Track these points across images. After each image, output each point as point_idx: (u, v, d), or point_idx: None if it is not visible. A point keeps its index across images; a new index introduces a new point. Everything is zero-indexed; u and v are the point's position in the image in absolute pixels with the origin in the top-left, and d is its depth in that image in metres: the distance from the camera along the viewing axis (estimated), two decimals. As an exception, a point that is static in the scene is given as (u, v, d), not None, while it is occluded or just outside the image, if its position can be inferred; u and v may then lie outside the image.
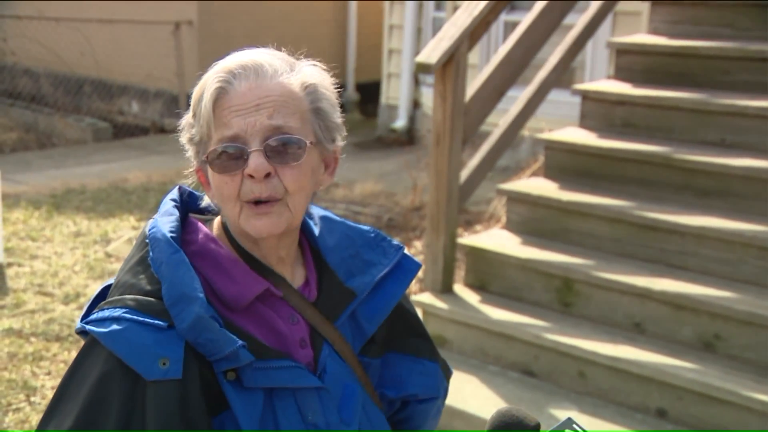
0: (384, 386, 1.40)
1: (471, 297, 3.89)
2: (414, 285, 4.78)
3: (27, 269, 5.09)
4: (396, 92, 8.91)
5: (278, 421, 1.22)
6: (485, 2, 3.77)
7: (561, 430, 1.09)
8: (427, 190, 4.12)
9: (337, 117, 1.29)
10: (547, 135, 4.39)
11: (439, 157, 3.82)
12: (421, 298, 3.90)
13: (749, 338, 3.26)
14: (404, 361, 1.42)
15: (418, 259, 5.01)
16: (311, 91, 1.25)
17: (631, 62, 4.48)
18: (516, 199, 4.10)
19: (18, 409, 3.59)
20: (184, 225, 1.30)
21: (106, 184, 7.15)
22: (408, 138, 8.76)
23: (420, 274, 4.80)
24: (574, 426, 1.09)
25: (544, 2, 4.16)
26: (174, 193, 1.33)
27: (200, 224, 1.31)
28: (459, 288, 3.98)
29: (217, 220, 1.32)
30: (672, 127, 4.09)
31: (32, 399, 3.67)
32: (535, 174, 5.20)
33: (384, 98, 9.20)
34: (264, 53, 1.25)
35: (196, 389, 1.15)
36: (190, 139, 1.25)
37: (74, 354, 1.28)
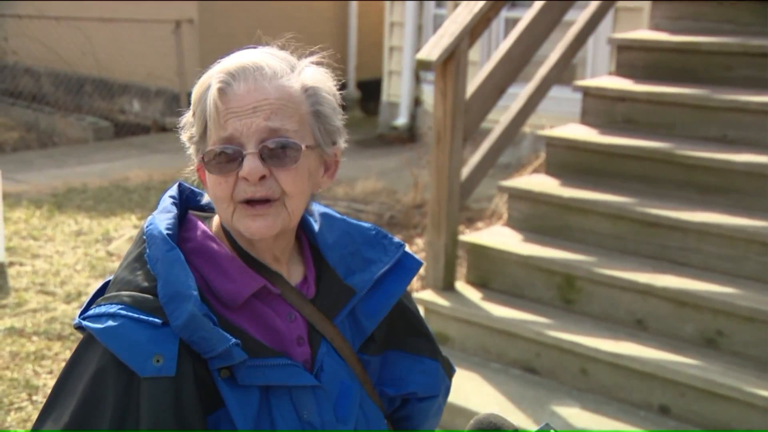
0: (384, 384, 1.39)
1: (473, 294, 3.89)
2: (415, 282, 4.77)
3: (29, 268, 5.09)
4: (397, 90, 8.90)
5: (273, 419, 1.22)
6: (486, -1, 3.76)
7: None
8: (428, 187, 4.11)
9: (338, 120, 1.28)
10: (548, 132, 4.38)
11: (440, 155, 3.82)
12: (423, 295, 3.90)
13: (752, 334, 3.25)
14: (404, 359, 1.42)
15: (420, 256, 5.02)
16: (311, 94, 1.24)
17: (633, 58, 4.47)
18: (517, 196, 4.09)
19: (20, 408, 3.59)
20: (183, 222, 1.30)
21: (108, 182, 7.15)
22: (409, 135, 8.76)
23: (422, 271, 4.79)
24: (552, 430, 1.09)
25: (545, -1, 4.15)
26: (173, 190, 1.34)
27: (199, 222, 1.31)
28: (461, 285, 3.98)
29: (217, 217, 1.32)
30: (673, 123, 4.08)
31: (34, 398, 3.67)
32: (536, 171, 5.20)
33: (385, 96, 9.19)
34: (265, 54, 1.24)
35: (190, 387, 1.15)
36: (190, 138, 1.26)
37: (75, 353, 1.30)
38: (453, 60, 3.68)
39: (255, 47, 1.27)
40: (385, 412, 1.39)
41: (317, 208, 1.41)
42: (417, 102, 8.75)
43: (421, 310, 3.90)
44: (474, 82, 3.97)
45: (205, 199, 1.33)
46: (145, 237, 1.24)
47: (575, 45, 4.49)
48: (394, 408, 1.44)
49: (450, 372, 1.51)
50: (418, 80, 8.62)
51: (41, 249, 5.43)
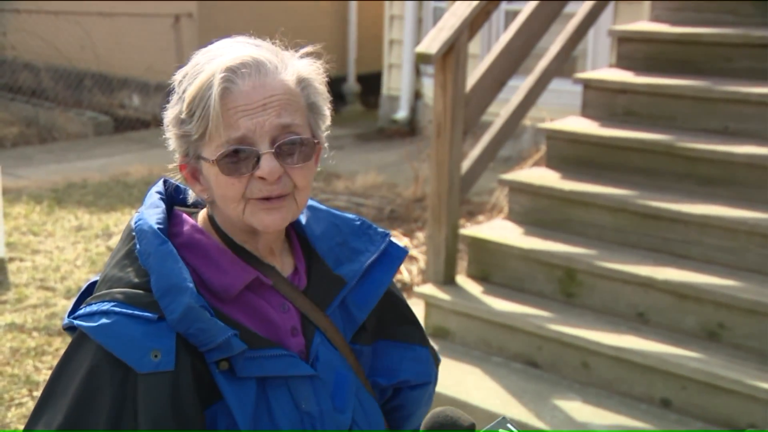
0: (376, 374, 1.39)
1: (473, 288, 3.88)
2: (416, 276, 4.77)
3: (29, 264, 5.08)
4: (397, 83, 8.88)
5: (272, 411, 1.21)
6: (485, -9, 3.75)
7: (495, 430, 1.09)
8: (428, 181, 4.10)
9: (327, 109, 1.29)
10: (548, 124, 4.37)
11: (440, 148, 3.81)
12: (424, 289, 3.89)
13: (753, 327, 3.24)
14: (395, 348, 1.42)
15: (420, 250, 5.02)
16: (305, 86, 1.25)
17: (633, 50, 4.45)
18: (518, 189, 4.08)
19: (21, 404, 3.59)
20: (170, 217, 1.29)
21: (108, 178, 7.14)
22: (409, 129, 8.74)
23: (422, 265, 4.79)
24: (509, 425, 1.10)
25: (545, -9, 4.13)
26: (159, 186, 1.33)
27: (186, 216, 1.31)
28: (461, 279, 3.97)
29: (203, 212, 1.32)
30: (674, 115, 4.06)
31: (35, 394, 3.66)
32: (537, 164, 5.18)
33: (385, 89, 9.17)
34: (254, 46, 1.23)
35: (189, 380, 1.15)
36: (183, 136, 1.23)
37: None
38: (453, 53, 3.67)
39: (231, 37, 1.26)
40: (378, 403, 1.39)
41: None
42: (417, 95, 8.73)
43: (422, 305, 3.89)
44: (474, 75, 3.96)
45: (191, 197, 1.32)
46: (134, 233, 1.23)
47: (575, 37, 4.47)
48: (387, 398, 1.44)
49: (437, 360, 1.51)
50: (418, 73, 8.60)
51: (41, 244, 5.42)
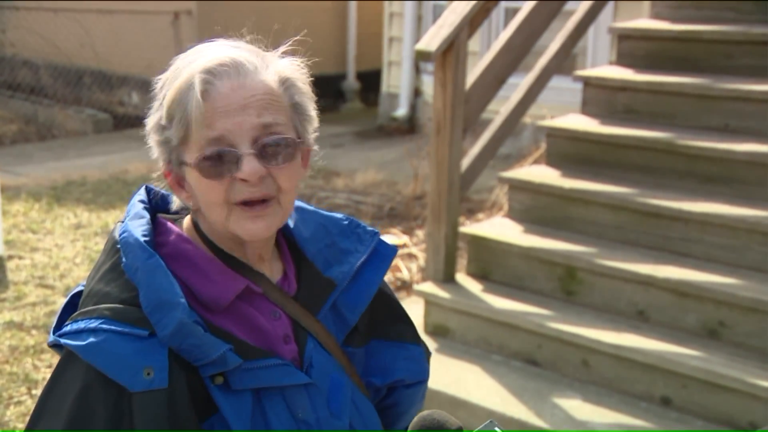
0: (370, 374, 1.37)
1: (473, 286, 3.87)
2: (416, 274, 4.76)
3: (28, 262, 5.08)
4: (397, 80, 8.87)
5: (268, 421, 1.19)
6: (485, -12, 3.73)
7: (484, 431, 1.08)
8: (428, 178, 4.09)
9: (312, 110, 1.26)
10: (548, 122, 4.36)
11: (440, 146, 3.80)
12: (423, 287, 3.88)
13: (754, 325, 3.24)
14: (388, 347, 1.40)
15: (420, 248, 5.01)
16: (288, 86, 1.22)
17: (633, 48, 4.44)
18: (518, 187, 4.07)
19: (19, 402, 3.58)
20: (154, 226, 1.25)
21: (107, 175, 7.13)
22: (409, 126, 8.73)
23: (422, 263, 4.78)
24: (496, 429, 1.09)
25: (545, -12, 4.12)
26: (142, 194, 1.30)
27: (170, 224, 1.27)
28: (461, 277, 3.96)
29: (187, 219, 1.29)
30: (675, 112, 4.05)
31: (33, 392, 3.66)
32: (537, 161, 5.18)
33: (385, 87, 9.16)
34: (234, 48, 1.21)
35: (184, 397, 1.12)
36: (165, 142, 1.20)
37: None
38: (452, 50, 3.66)
39: (212, 41, 1.23)
40: (372, 403, 1.37)
41: None
42: (417, 93, 8.72)
43: (422, 303, 3.88)
44: (474, 72, 3.95)
45: (175, 204, 1.29)
46: (119, 246, 1.19)
47: (575, 34, 4.46)
48: (381, 397, 1.42)
49: (428, 356, 1.49)
50: (417, 71, 8.59)
51: (40, 242, 5.42)
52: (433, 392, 3.27)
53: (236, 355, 1.15)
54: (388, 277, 3.95)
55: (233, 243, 1.24)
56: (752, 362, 3.16)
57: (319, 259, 1.32)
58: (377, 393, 1.40)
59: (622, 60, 4.47)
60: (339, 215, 1.39)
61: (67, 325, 1.16)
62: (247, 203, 1.18)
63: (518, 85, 4.41)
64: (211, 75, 1.15)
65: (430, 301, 3.85)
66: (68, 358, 1.15)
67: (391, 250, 1.37)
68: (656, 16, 4.63)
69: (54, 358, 3.94)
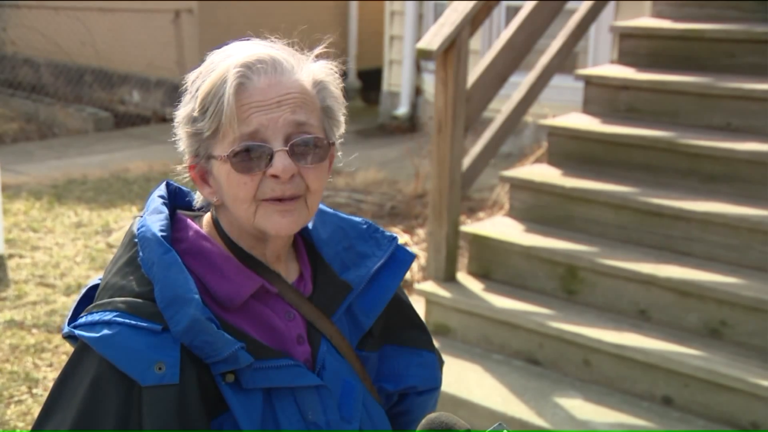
0: (382, 380, 1.37)
1: (474, 285, 3.87)
2: (417, 273, 4.75)
3: (28, 260, 5.07)
4: (398, 79, 8.86)
5: (278, 422, 1.19)
6: (487, -13, 3.73)
7: None
8: (429, 177, 4.08)
9: (341, 114, 1.26)
10: (550, 121, 4.35)
11: (441, 145, 3.79)
12: (424, 286, 3.88)
13: (756, 324, 3.23)
14: (402, 353, 1.39)
15: (421, 247, 5.00)
16: (321, 89, 1.22)
17: (635, 46, 4.43)
18: (519, 186, 4.06)
19: (20, 401, 3.57)
20: (173, 222, 1.26)
21: (108, 174, 7.13)
22: (410, 125, 8.72)
23: (423, 262, 4.77)
24: (505, 431, 1.08)
25: (547, -14, 4.11)
26: (162, 190, 1.30)
27: (190, 221, 1.27)
28: (462, 276, 3.96)
29: (207, 216, 1.29)
30: (677, 111, 4.05)
31: (34, 391, 3.65)
32: (538, 160, 5.17)
33: (386, 85, 9.16)
34: (273, 47, 1.22)
35: (195, 393, 1.12)
36: (195, 134, 1.20)
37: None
38: (454, 49, 3.65)
39: (250, 39, 1.24)
40: (384, 409, 1.37)
41: None
42: (418, 91, 8.71)
43: (423, 302, 3.88)
44: (475, 71, 3.94)
45: (196, 199, 1.30)
46: (136, 240, 1.19)
47: (577, 33, 4.45)
48: (392, 403, 1.42)
49: (441, 364, 1.49)
50: (418, 69, 8.58)
51: (41, 241, 5.41)
52: (434, 391, 3.26)
53: (248, 353, 1.15)
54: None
55: (254, 240, 1.24)
56: (754, 362, 3.16)
57: (336, 262, 1.32)
58: (389, 399, 1.40)
59: (624, 59, 4.46)
60: (358, 219, 1.39)
61: (82, 316, 1.16)
62: (277, 199, 1.18)
63: (520, 83, 4.40)
64: (249, 70, 1.16)
65: (431, 300, 3.84)
66: (82, 349, 1.15)
67: (409, 256, 1.37)
68: (658, 14, 4.63)
69: (54, 357, 3.94)
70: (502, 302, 3.69)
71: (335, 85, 1.25)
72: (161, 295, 1.14)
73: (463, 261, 4.19)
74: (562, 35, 4.43)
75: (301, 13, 9.81)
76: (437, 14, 7.72)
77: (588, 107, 4.31)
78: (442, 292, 3.80)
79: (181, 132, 1.23)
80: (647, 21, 4.59)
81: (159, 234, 1.18)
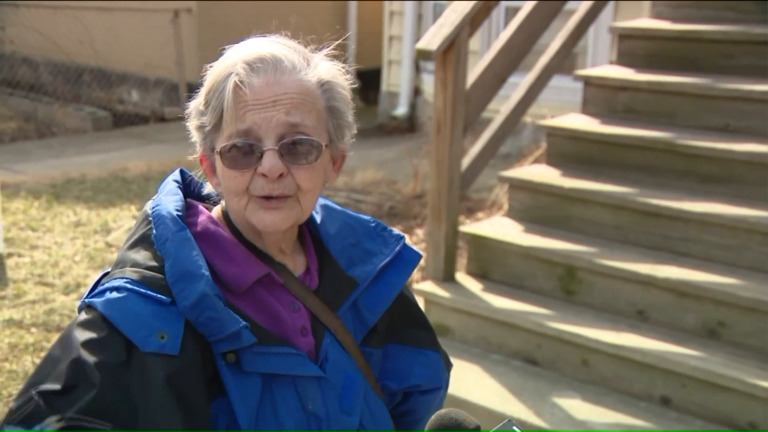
0: (386, 377, 1.38)
1: (473, 285, 3.87)
2: (416, 273, 4.76)
3: (27, 259, 5.07)
4: (397, 79, 8.87)
5: (277, 409, 1.20)
6: (486, -13, 3.73)
7: (501, 431, 1.08)
8: (428, 177, 4.09)
9: (350, 115, 1.27)
10: (549, 121, 4.36)
11: (440, 145, 3.80)
12: (423, 286, 3.88)
13: (753, 325, 3.24)
14: (406, 351, 1.41)
15: (420, 247, 5.01)
16: (327, 89, 1.23)
17: (634, 47, 4.44)
18: (518, 186, 4.07)
19: (19, 401, 3.58)
20: (186, 207, 1.28)
21: (106, 173, 7.12)
22: (409, 125, 8.73)
23: (422, 262, 4.77)
24: (515, 428, 1.09)
25: (546, -13, 4.12)
26: (176, 175, 1.32)
27: (202, 206, 1.30)
28: (461, 276, 3.96)
29: (218, 207, 1.31)
30: (675, 112, 4.06)
31: (33, 390, 3.65)
32: (537, 161, 5.17)
33: (385, 85, 9.16)
34: (281, 45, 1.23)
35: (195, 369, 1.13)
36: (200, 127, 1.23)
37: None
38: (453, 49, 3.65)
39: (264, 36, 1.25)
40: (387, 407, 1.37)
41: (318, 200, 1.39)
42: (417, 92, 8.72)
43: (421, 302, 3.88)
44: (474, 71, 3.95)
45: (207, 189, 1.32)
46: (151, 218, 1.22)
47: (576, 34, 4.46)
48: (396, 402, 1.42)
49: (448, 365, 1.49)
50: (417, 70, 8.58)
51: (40, 240, 5.41)
52: (432, 391, 3.27)
53: (252, 333, 1.16)
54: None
55: (253, 233, 1.26)
56: (751, 362, 3.17)
57: (342, 257, 1.33)
58: (393, 397, 1.41)
59: (623, 59, 4.47)
60: (366, 217, 1.41)
61: (94, 289, 1.18)
62: (265, 197, 1.19)
63: (519, 84, 4.41)
64: (249, 68, 1.18)
65: (429, 300, 3.85)
66: (87, 310, 1.16)
67: (416, 256, 1.38)
68: (657, 15, 4.64)
69: (53, 356, 3.94)
70: (501, 302, 3.70)
71: (343, 86, 1.26)
72: (172, 270, 1.16)
73: (461, 261, 4.20)
74: (561, 36, 4.44)
75: (300, 12, 9.79)
76: (436, 14, 7.72)
77: (587, 108, 4.32)
78: (441, 292, 3.81)
79: (190, 124, 1.26)
80: (646, 22, 4.60)
81: (174, 212, 1.21)
